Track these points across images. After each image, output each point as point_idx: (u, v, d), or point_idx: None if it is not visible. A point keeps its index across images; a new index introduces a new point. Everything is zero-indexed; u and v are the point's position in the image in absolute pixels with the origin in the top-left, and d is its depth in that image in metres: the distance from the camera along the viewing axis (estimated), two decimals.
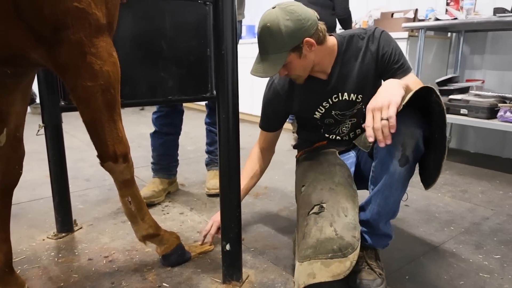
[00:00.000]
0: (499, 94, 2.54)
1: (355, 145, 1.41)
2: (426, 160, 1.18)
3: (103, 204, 1.91)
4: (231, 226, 1.18)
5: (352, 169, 1.41)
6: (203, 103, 2.26)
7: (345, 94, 1.33)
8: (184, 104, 2.08)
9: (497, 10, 2.32)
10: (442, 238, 1.57)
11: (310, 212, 1.24)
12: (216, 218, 1.44)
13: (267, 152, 1.55)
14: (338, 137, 1.44)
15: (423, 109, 1.13)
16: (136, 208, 1.26)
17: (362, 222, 1.25)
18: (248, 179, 1.49)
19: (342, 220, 1.17)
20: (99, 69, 0.90)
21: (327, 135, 1.45)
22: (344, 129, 1.41)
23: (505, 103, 2.46)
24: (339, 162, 1.38)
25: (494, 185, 2.21)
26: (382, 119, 1.02)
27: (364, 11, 3.41)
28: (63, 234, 1.58)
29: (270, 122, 1.48)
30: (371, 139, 1.04)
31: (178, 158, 2.11)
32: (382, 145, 1.03)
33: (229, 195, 1.17)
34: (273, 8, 1.20)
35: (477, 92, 2.61)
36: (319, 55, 1.27)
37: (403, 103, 1.02)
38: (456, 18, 2.49)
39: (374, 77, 1.28)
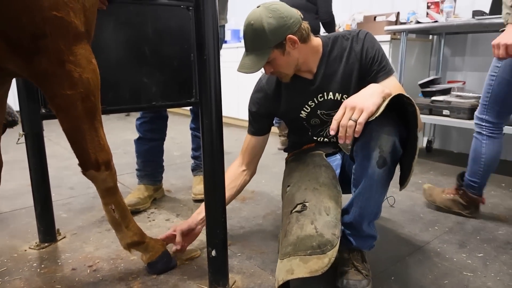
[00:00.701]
0: (480, 95, 2.58)
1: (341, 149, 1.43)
2: (402, 162, 1.20)
3: (88, 213, 1.88)
4: (217, 232, 1.17)
5: (338, 171, 1.43)
6: (189, 108, 2.26)
7: (330, 93, 1.34)
8: (169, 109, 2.08)
9: (475, 13, 2.37)
10: (427, 238, 1.59)
11: (293, 211, 1.25)
12: (173, 227, 1.42)
13: (247, 168, 1.51)
14: (325, 139, 1.45)
15: (400, 110, 1.15)
16: (120, 215, 1.24)
17: (346, 225, 1.26)
18: None
19: (323, 219, 1.18)
20: (78, 77, 0.89)
21: (315, 138, 1.46)
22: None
23: None
24: (325, 164, 1.38)
25: None
26: (351, 119, 1.05)
27: (347, 15, 3.44)
28: (46, 244, 1.55)
29: (256, 123, 1.48)
30: (332, 132, 1.08)
31: (164, 164, 2.09)
32: (341, 141, 1.08)
33: (214, 201, 1.17)
34: (258, 7, 1.24)
35: (459, 93, 2.66)
36: (303, 53, 1.29)
37: (376, 115, 1.04)
38: (436, 21, 2.54)
39: (357, 77, 1.30)
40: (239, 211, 1.89)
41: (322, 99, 1.36)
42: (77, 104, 0.92)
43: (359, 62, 1.29)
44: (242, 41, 1.31)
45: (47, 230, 1.56)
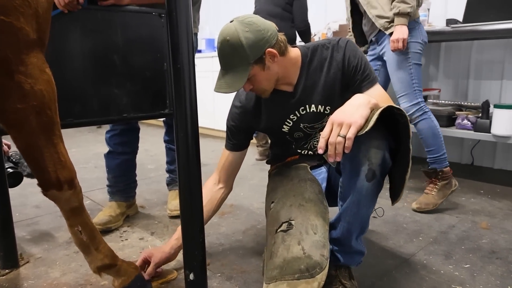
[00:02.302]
0: (456, 102, 2.61)
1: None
2: (393, 174, 1.15)
3: (55, 233, 1.75)
4: (195, 254, 1.09)
5: (324, 185, 1.37)
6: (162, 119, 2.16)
7: (313, 106, 1.28)
8: (143, 120, 1.98)
9: (449, 21, 2.39)
10: (412, 250, 1.54)
11: (278, 230, 1.18)
12: (146, 251, 1.33)
13: (223, 185, 1.43)
14: (310, 152, 1.39)
15: (389, 120, 1.10)
16: (89, 237, 1.14)
17: (333, 241, 1.20)
18: None
19: (310, 238, 1.11)
20: (30, 89, 0.79)
21: (299, 151, 1.39)
22: (315, 143, 1.36)
23: (462, 110, 2.53)
24: (310, 178, 1.32)
25: (456, 192, 2.24)
26: (339, 135, 0.99)
27: (323, 24, 3.44)
28: (7, 271, 1.41)
29: (234, 138, 1.40)
30: (320, 151, 1.01)
31: (137, 178, 1.98)
32: (331, 160, 1.00)
33: (191, 221, 1.08)
34: (231, 22, 1.15)
35: (435, 101, 2.67)
36: (283, 67, 1.22)
37: (365, 130, 0.98)
38: None
39: (340, 88, 1.24)
40: (217, 226, 1.80)
41: (304, 112, 1.29)
42: (30, 119, 0.82)
43: (341, 72, 1.23)
44: (217, 55, 1.22)
45: (8, 255, 1.43)
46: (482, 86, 2.72)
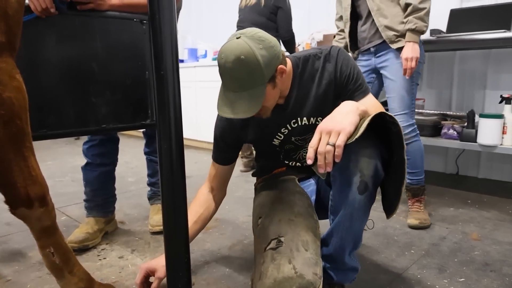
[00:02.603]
0: (441, 112, 2.61)
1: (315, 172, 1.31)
2: (386, 186, 1.10)
3: (27, 252, 1.63)
4: (179, 275, 1.01)
5: (313, 198, 1.31)
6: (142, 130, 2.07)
7: (304, 119, 1.22)
8: (123, 131, 1.89)
9: (433, 31, 2.40)
10: (405, 264, 1.49)
11: (267, 248, 1.11)
12: (144, 265, 1.24)
13: (217, 192, 1.38)
14: (298, 164, 1.33)
15: (381, 129, 1.05)
16: (62, 259, 1.04)
17: (325, 257, 1.13)
18: (191, 223, 1.31)
19: (302, 256, 1.05)
20: None
21: (286, 162, 1.33)
22: (304, 154, 1.30)
23: (446, 120, 2.52)
24: (299, 191, 1.26)
25: (443, 202, 2.22)
26: (328, 144, 0.93)
27: (306, 34, 3.43)
28: None
29: (223, 153, 1.33)
30: (309, 161, 0.95)
31: (116, 192, 1.88)
32: (321, 170, 0.94)
33: (175, 238, 1.00)
34: (238, 38, 1.03)
35: (420, 111, 2.67)
36: (284, 81, 1.15)
37: (356, 137, 0.93)
38: None
39: (333, 98, 1.19)
40: (202, 242, 1.71)
41: (296, 124, 1.23)
42: None
43: (333, 82, 1.17)
44: (218, 74, 1.10)
45: None
46: (465, 96, 2.73)
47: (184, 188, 1.00)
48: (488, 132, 2.11)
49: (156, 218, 1.84)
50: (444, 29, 2.47)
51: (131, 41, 1.47)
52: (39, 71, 1.30)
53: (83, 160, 1.78)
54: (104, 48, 1.43)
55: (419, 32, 1.81)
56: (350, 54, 2.13)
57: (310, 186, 1.35)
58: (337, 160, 0.94)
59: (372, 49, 2.01)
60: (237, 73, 1.03)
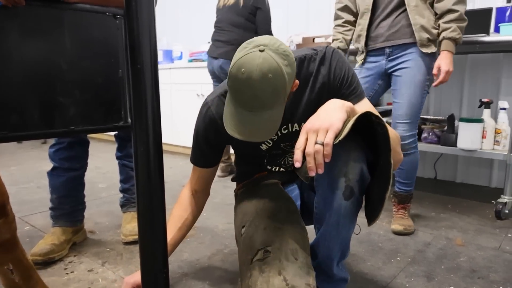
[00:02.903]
0: (420, 116, 2.60)
1: (298, 176, 1.24)
2: (370, 191, 1.03)
3: None
4: None
5: (298, 203, 1.24)
6: (113, 133, 1.95)
7: (295, 125, 1.13)
8: (94, 135, 1.76)
9: None
10: (392, 272, 1.44)
11: (254, 259, 1.03)
12: (130, 279, 1.14)
13: (200, 195, 1.29)
14: (282, 169, 1.25)
15: (367, 130, 0.99)
16: (22, 277, 0.93)
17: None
18: (175, 230, 1.22)
19: (292, 266, 0.98)
20: None
21: (269, 167, 1.25)
22: (290, 160, 1.23)
23: (426, 124, 2.52)
24: (284, 195, 1.19)
25: (425, 207, 2.20)
26: (316, 143, 0.86)
27: (285, 36, 3.38)
28: None
29: (205, 156, 1.22)
30: (297, 164, 0.86)
31: (86, 199, 1.75)
32: (312, 173, 0.86)
33: (153, 251, 0.90)
34: (261, 51, 0.89)
35: None
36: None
37: (340, 138, 0.85)
38: None
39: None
40: (179, 253, 1.61)
41: (287, 131, 1.14)
42: None
43: (327, 85, 1.08)
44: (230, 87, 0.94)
45: None
46: (443, 100, 2.75)
47: (163, 195, 0.91)
48: (468, 137, 2.11)
49: (129, 227, 1.72)
50: None
51: (103, 37, 1.36)
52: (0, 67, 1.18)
53: (50, 165, 1.64)
54: (73, 44, 1.31)
55: (458, 43, 1.67)
56: (357, 48, 1.94)
57: (294, 190, 1.27)
58: (327, 160, 0.86)
59: (387, 50, 1.79)
60: (261, 92, 0.89)
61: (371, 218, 0.99)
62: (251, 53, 0.89)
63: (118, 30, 1.39)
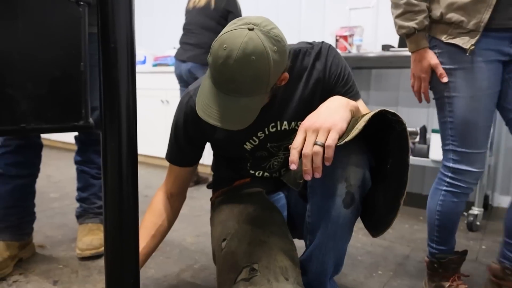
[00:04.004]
0: None
1: (285, 183, 1.13)
2: (371, 199, 0.95)
3: None
4: None
5: (285, 214, 1.13)
6: (71, 138, 1.75)
7: (285, 122, 1.02)
8: (45, 140, 1.56)
9: (385, 47, 2.39)
10: (376, 287, 1.36)
11: (238, 278, 0.91)
12: None
13: (176, 198, 1.15)
14: (266, 174, 1.13)
15: (368, 131, 0.91)
16: None
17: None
18: (148, 238, 1.07)
19: (282, 286, 0.86)
20: None
21: (252, 172, 1.13)
22: (275, 164, 1.11)
23: None
24: (269, 206, 1.08)
25: (397, 219, 2.15)
26: (316, 144, 0.77)
27: None
28: None
29: (183, 153, 1.09)
30: (293, 166, 0.77)
31: (36, 209, 1.54)
32: (307, 177, 0.77)
33: (123, 270, 0.75)
34: (250, 29, 0.80)
35: None
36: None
37: (347, 139, 0.77)
38: (350, 52, 2.51)
39: (319, 101, 0.98)
40: (144, 269, 1.44)
41: (275, 129, 1.03)
42: None
43: (321, 82, 0.99)
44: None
45: None
46: (410, 113, 2.77)
47: (136, 201, 0.76)
48: (440, 148, 2.10)
49: (86, 240, 1.53)
50: (395, 45, 2.49)
51: (63, 25, 1.19)
52: None
53: None
54: (27, 30, 1.13)
55: None
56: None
57: (280, 200, 1.16)
58: (327, 164, 0.77)
59: None
60: (239, 75, 0.80)
61: (379, 228, 0.90)
62: (238, 30, 0.80)
63: (81, 19, 1.24)
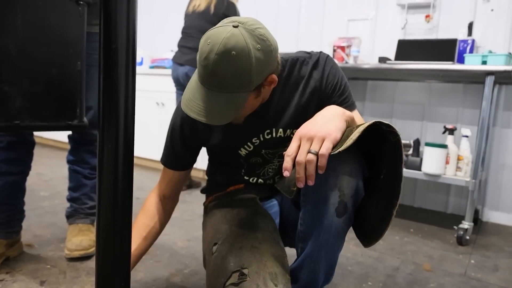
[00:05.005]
0: None
1: (278, 190, 1.13)
2: (364, 208, 0.95)
3: None
4: None
5: (277, 221, 1.13)
6: (63, 136, 1.73)
7: (280, 130, 1.03)
8: (37, 139, 1.55)
9: (381, 59, 2.42)
10: None
11: (227, 283, 0.91)
12: None
13: (169, 201, 1.16)
14: (260, 180, 1.13)
15: (363, 142, 0.92)
16: None
17: None
18: (139, 239, 1.06)
19: None
20: None
21: (247, 178, 1.13)
22: (270, 171, 1.12)
23: None
24: (262, 212, 1.08)
25: (388, 230, 2.16)
26: (310, 152, 0.78)
27: None
28: None
29: (179, 157, 1.09)
30: (286, 173, 0.79)
31: (25, 207, 1.53)
32: (300, 185, 0.79)
33: (112, 276, 0.74)
34: (235, 26, 0.82)
35: None
36: (269, 90, 0.97)
37: (341, 148, 0.78)
38: (347, 62, 2.53)
39: (314, 110, 0.99)
40: (133, 272, 1.42)
41: (270, 136, 1.04)
42: None
43: (318, 92, 1.00)
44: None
45: None
46: (404, 126, 2.79)
47: (131, 206, 0.76)
48: (433, 161, 2.13)
49: (75, 240, 1.51)
50: (392, 58, 2.51)
51: (62, 24, 1.19)
52: None
53: None
54: (25, 27, 1.13)
55: None
56: None
57: (273, 207, 1.16)
58: (320, 172, 0.79)
59: None
60: (220, 69, 0.82)
61: (371, 238, 0.91)
62: (223, 27, 0.83)
63: (80, 18, 1.24)
